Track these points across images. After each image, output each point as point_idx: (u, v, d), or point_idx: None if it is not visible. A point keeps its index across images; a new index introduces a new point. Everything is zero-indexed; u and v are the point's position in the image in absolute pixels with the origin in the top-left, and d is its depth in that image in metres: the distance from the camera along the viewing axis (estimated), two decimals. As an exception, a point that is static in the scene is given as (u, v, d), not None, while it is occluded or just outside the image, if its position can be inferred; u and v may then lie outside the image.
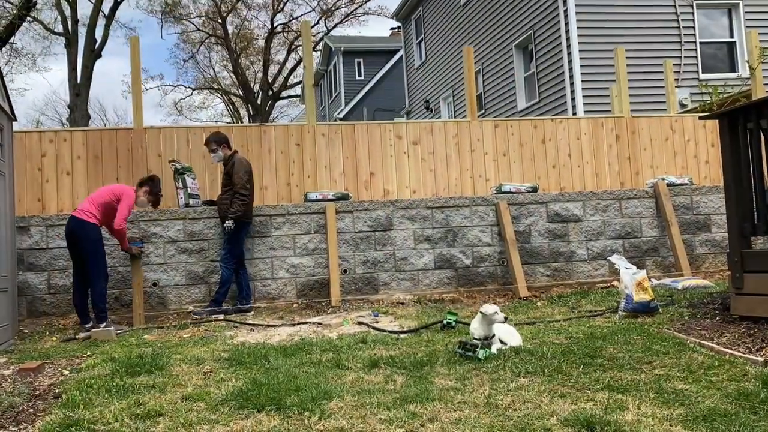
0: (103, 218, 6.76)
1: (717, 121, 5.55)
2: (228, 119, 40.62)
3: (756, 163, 5.20)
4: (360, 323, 6.30)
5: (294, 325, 6.47)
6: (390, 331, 5.76)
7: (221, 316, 7.04)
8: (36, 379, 4.41)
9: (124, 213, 6.76)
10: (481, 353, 4.37)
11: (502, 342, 4.67)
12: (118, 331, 6.40)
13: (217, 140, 7.67)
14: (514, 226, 8.37)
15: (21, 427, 3.39)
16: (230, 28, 34.57)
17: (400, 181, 8.90)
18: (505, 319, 4.71)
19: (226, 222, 7.33)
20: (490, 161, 9.14)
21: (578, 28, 14.35)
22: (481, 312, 4.62)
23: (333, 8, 35.36)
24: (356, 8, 35.67)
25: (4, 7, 21.62)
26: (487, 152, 9.14)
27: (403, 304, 7.60)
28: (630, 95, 9.91)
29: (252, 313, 7.35)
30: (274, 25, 35.19)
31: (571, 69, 14.45)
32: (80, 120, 23.24)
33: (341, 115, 30.67)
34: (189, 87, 38.50)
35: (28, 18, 23.21)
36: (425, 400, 3.47)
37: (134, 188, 7.07)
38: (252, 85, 36.56)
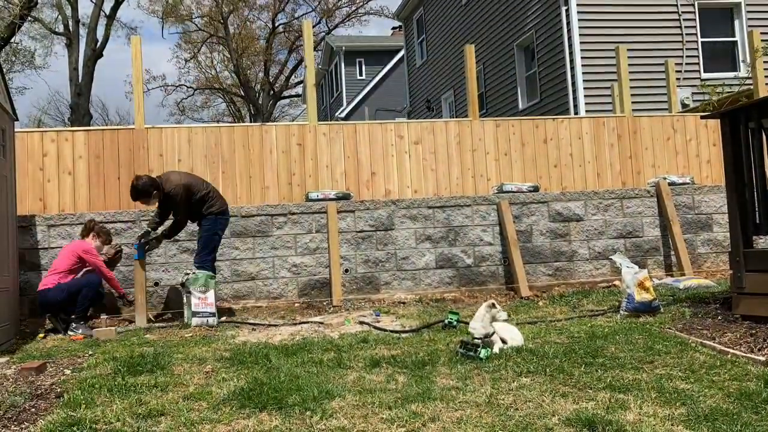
0: (73, 275, 6.73)
1: (718, 120, 5.55)
2: (229, 119, 40.64)
3: (758, 163, 5.20)
4: (361, 323, 6.30)
5: (295, 324, 6.47)
6: (391, 331, 5.76)
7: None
8: (38, 378, 4.42)
9: (100, 263, 6.80)
10: (482, 353, 4.37)
11: (503, 341, 4.67)
12: (120, 330, 6.41)
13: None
14: (515, 226, 8.37)
15: (23, 426, 3.39)
16: (231, 28, 34.59)
17: (401, 180, 8.90)
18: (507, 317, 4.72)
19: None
20: (491, 161, 9.14)
21: (580, 27, 14.34)
22: (484, 306, 4.62)
23: (334, 8, 35.38)
24: (357, 8, 35.70)
25: (5, 7, 21.63)
26: (489, 152, 9.14)
27: (404, 303, 7.61)
28: (631, 95, 9.90)
29: None
30: (276, 25, 35.22)
31: (572, 68, 14.44)
32: (82, 120, 23.28)
33: (343, 115, 30.66)
34: (191, 87, 38.53)
35: (29, 18, 23.23)
36: (427, 399, 3.47)
37: (82, 241, 6.98)
38: (253, 85, 36.58)
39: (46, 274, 6.86)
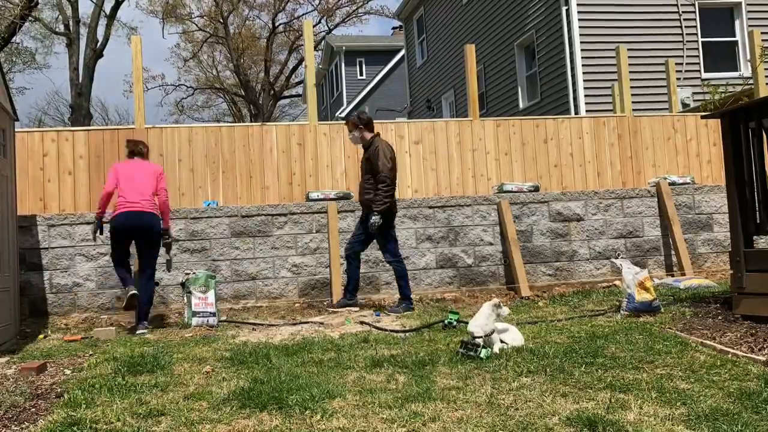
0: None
1: (719, 120, 5.55)
2: (230, 119, 40.63)
3: (758, 162, 5.20)
4: (362, 323, 6.30)
5: (296, 324, 6.47)
6: (392, 331, 5.76)
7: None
8: (38, 378, 4.42)
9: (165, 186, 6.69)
10: (483, 353, 4.37)
11: (503, 341, 4.67)
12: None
13: (355, 121, 7.09)
14: (515, 226, 8.37)
15: (23, 426, 3.39)
16: (232, 28, 34.59)
17: (401, 180, 8.89)
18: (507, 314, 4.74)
19: (372, 218, 6.71)
20: (491, 160, 9.14)
21: (580, 27, 14.34)
22: (490, 305, 4.62)
23: (334, 8, 35.37)
24: (357, 8, 35.68)
25: (6, 7, 21.64)
26: (489, 151, 9.14)
27: (404, 303, 7.59)
28: (632, 94, 9.91)
29: (357, 308, 7.12)
30: (276, 25, 35.19)
31: (573, 68, 14.44)
32: (82, 119, 23.28)
33: (343, 115, 30.68)
34: (191, 87, 38.54)
35: (30, 18, 23.24)
36: (427, 399, 3.47)
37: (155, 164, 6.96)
38: (254, 84, 36.56)
39: (127, 199, 6.38)
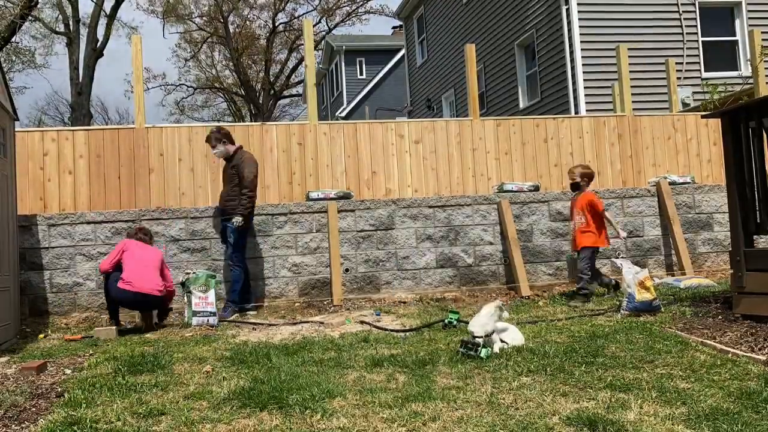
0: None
1: (719, 119, 5.55)
2: (230, 118, 40.63)
3: (758, 162, 5.20)
4: (362, 322, 6.30)
5: (296, 324, 6.47)
6: (392, 330, 5.76)
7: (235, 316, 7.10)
8: (38, 378, 4.42)
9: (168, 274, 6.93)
10: (483, 352, 4.37)
11: (503, 341, 4.67)
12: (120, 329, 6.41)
13: (218, 136, 7.57)
14: (516, 225, 8.37)
15: (23, 426, 3.40)
16: (232, 28, 34.59)
17: (401, 179, 8.90)
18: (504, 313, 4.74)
19: (235, 218, 7.19)
20: (492, 160, 9.13)
21: (580, 26, 14.33)
22: (492, 305, 4.62)
23: (334, 7, 35.36)
24: (357, 7, 35.68)
25: (6, 7, 21.64)
26: (489, 151, 9.13)
27: (405, 303, 7.60)
28: (632, 94, 9.90)
29: (254, 312, 7.37)
30: (276, 25, 35.20)
31: (573, 68, 14.43)
32: (82, 119, 23.28)
33: (343, 114, 30.68)
34: (191, 86, 38.53)
35: (30, 17, 23.23)
36: (427, 399, 3.47)
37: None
38: (254, 84, 36.57)
39: (132, 278, 6.44)
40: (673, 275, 8.31)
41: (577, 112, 13.97)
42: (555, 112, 14.70)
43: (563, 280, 8.41)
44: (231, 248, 7.35)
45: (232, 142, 7.60)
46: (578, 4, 14.36)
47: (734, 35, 15.31)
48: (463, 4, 19.91)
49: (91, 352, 5.32)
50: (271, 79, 36.18)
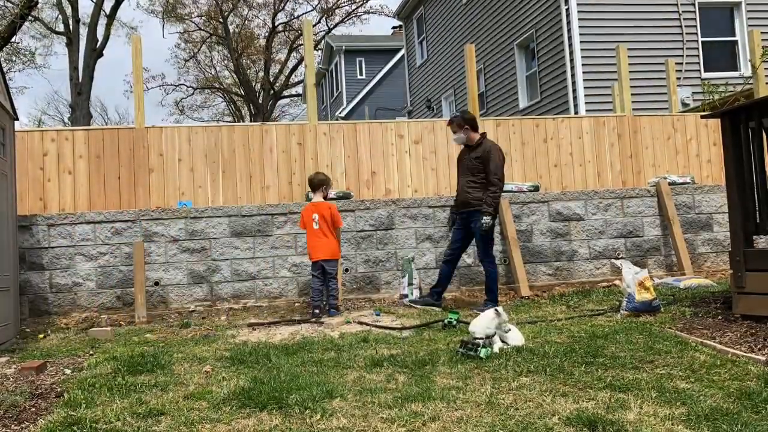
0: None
1: (719, 120, 5.55)
2: (229, 118, 40.64)
3: (758, 162, 5.20)
4: (362, 322, 6.30)
5: (296, 323, 6.47)
6: (392, 328, 5.76)
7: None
8: (38, 378, 4.42)
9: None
10: (482, 352, 4.37)
11: (503, 341, 4.67)
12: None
13: (461, 122, 7.05)
14: (515, 225, 8.37)
15: (23, 426, 3.39)
16: (231, 28, 34.59)
17: (401, 180, 8.90)
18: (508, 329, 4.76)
19: (483, 220, 6.63)
20: (491, 160, 9.12)
21: (580, 26, 14.34)
22: (495, 310, 4.63)
23: (334, 7, 35.37)
24: (357, 7, 35.69)
25: (6, 7, 21.64)
26: (489, 151, 9.12)
27: (404, 303, 7.59)
28: (632, 94, 9.90)
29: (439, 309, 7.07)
30: (275, 25, 35.21)
31: (572, 68, 14.44)
32: (82, 119, 23.28)
33: (343, 114, 30.67)
34: (190, 86, 38.53)
35: (30, 17, 23.24)
36: (427, 399, 3.47)
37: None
38: (253, 84, 36.58)
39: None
40: (672, 275, 8.32)
41: (576, 113, 13.98)
42: (555, 112, 14.70)
43: (563, 280, 8.41)
44: (481, 249, 6.93)
45: (476, 130, 7.08)
46: (578, 4, 14.37)
47: (734, 35, 15.32)
48: (463, 4, 19.91)
49: (90, 352, 5.32)
50: (271, 79, 36.19)
